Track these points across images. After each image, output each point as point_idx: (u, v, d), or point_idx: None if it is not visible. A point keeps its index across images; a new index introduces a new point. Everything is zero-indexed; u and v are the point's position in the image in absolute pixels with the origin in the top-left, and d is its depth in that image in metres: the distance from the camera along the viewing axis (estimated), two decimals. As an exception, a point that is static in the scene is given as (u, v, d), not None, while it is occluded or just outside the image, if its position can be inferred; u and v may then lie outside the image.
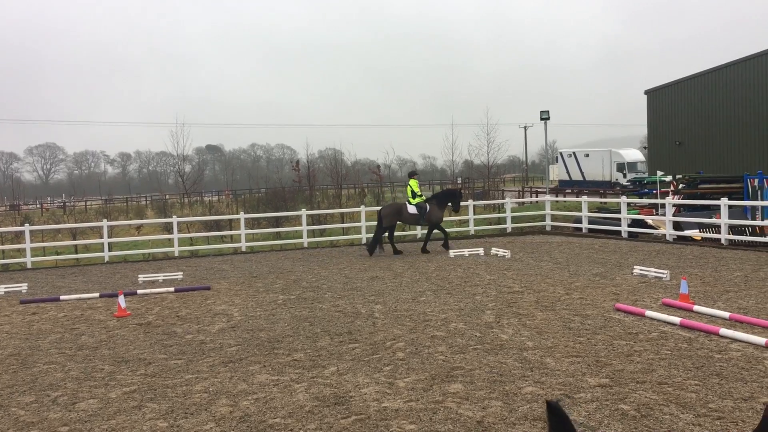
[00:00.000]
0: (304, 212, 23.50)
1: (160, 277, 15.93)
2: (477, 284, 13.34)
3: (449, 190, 20.96)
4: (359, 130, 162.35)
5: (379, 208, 21.53)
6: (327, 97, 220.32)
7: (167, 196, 65.49)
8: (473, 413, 6.24)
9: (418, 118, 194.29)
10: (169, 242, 23.64)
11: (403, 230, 25.63)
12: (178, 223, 23.06)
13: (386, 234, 19.60)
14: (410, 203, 19.36)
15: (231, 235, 27.51)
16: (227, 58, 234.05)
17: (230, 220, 32.66)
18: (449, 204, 19.96)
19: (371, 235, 25.19)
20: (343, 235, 28.64)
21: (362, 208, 24.08)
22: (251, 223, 33.76)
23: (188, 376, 7.89)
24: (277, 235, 26.20)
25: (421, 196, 19.54)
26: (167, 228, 31.32)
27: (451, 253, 18.25)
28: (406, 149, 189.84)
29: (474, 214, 25.17)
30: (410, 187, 19.66)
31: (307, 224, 23.44)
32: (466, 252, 18.32)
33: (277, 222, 32.92)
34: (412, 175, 20.28)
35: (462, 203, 21.73)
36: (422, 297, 12.20)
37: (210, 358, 8.65)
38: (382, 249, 19.40)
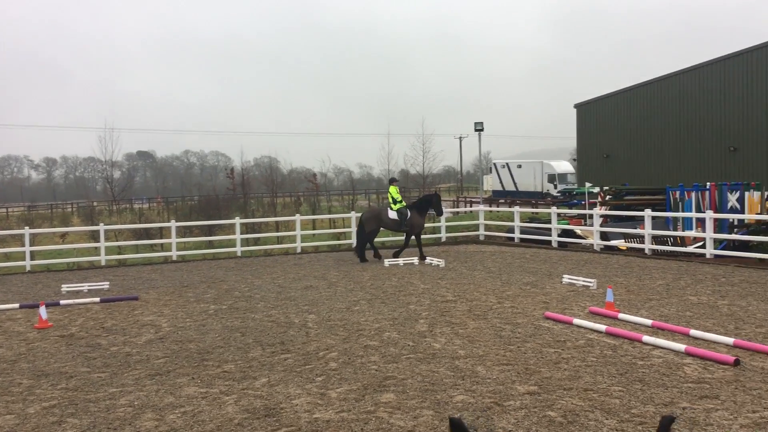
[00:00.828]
0: (237, 220, 23.16)
1: (85, 287, 15.39)
2: (411, 293, 13.41)
3: (426, 196, 20.66)
4: (296, 138, 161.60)
5: (359, 214, 21.48)
6: (264, 105, 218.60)
7: (95, 203, 63.44)
8: (404, 423, 6.24)
9: (355, 127, 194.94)
10: (96, 251, 22.89)
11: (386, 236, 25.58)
12: (106, 231, 22.36)
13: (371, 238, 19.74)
14: (392, 209, 19.33)
15: (161, 244, 26.84)
16: (160, 63, 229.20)
17: (161, 228, 31.91)
18: (430, 210, 19.85)
19: (306, 244, 25.03)
20: (278, 243, 28.35)
21: (297, 217, 23.90)
22: (183, 232, 33.06)
23: (112, 389, 7.62)
24: (210, 244, 25.73)
25: (401, 202, 19.42)
26: (94, 236, 30.33)
27: (386, 262, 18.29)
28: (342, 158, 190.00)
29: (409, 224, 25.29)
30: (390, 193, 19.69)
31: (241, 233, 23.09)
32: (400, 261, 18.41)
33: (209, 230, 32.34)
34: (392, 181, 20.26)
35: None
36: (356, 306, 12.17)
37: (136, 370, 8.39)
38: (378, 255, 19.49)
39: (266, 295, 13.84)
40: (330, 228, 32.48)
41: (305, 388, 7.41)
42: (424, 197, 20.56)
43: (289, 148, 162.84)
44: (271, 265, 19.07)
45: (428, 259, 18.50)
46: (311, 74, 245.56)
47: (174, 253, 21.91)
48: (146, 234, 31.80)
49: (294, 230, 23.82)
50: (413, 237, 19.65)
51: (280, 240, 29.88)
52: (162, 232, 32.68)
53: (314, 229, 30.18)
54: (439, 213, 20.29)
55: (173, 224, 22.73)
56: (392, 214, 19.26)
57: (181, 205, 57.34)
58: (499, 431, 5.96)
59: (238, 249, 22.28)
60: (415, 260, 18.50)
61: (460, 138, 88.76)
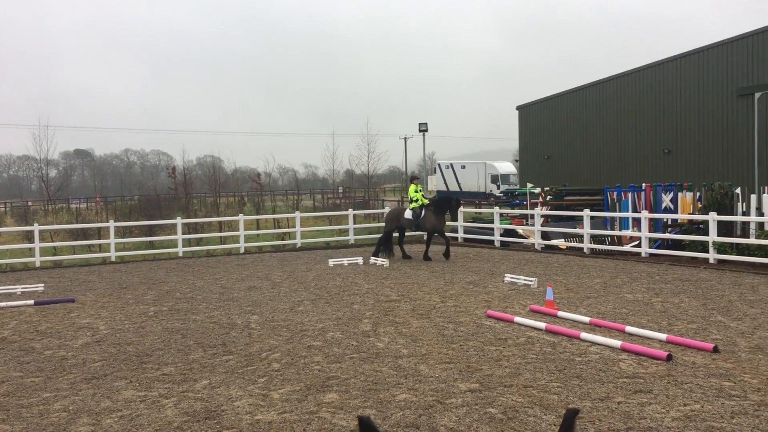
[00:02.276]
0: (179, 220, 22.73)
1: (18, 289, 14.85)
2: (355, 293, 13.41)
3: (445, 198, 19.94)
4: (240, 137, 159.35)
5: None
6: (206, 103, 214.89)
7: (29, 203, 61.29)
8: (347, 422, 6.24)
9: (300, 127, 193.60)
10: (30, 252, 22.12)
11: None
12: (41, 231, 21.64)
13: (397, 236, 19.74)
14: (410, 208, 19.28)
15: (99, 245, 26.13)
16: (99, 58, 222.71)
17: (99, 229, 31.08)
18: (448, 212, 19.31)
19: (250, 244, 24.74)
20: (221, 244, 27.95)
21: (241, 217, 23.62)
22: (122, 232, 32.27)
23: (46, 394, 7.39)
24: (150, 245, 25.19)
25: (416, 201, 19.04)
26: (28, 237, 29.29)
27: (331, 262, 18.25)
28: (287, 157, 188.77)
29: (354, 224, 25.32)
30: (409, 191, 19.62)
31: (183, 233, 22.68)
32: (345, 261, 18.39)
33: (150, 231, 31.64)
34: (412, 179, 20.08)
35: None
36: (300, 307, 12.11)
37: (71, 374, 8.14)
38: (392, 253, 19.40)
39: (208, 296, 13.63)
40: (274, 228, 32.22)
41: (247, 389, 7.33)
42: (443, 198, 20.14)
43: (232, 147, 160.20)
44: (213, 266, 18.79)
45: (372, 259, 18.54)
46: (255, 72, 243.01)
47: (113, 254, 21.36)
48: (83, 234, 30.89)
49: (237, 230, 23.53)
50: (437, 234, 19.29)
51: (223, 240, 29.46)
52: (100, 233, 31.81)
53: (258, 229, 29.88)
54: (454, 218, 20.16)
55: (112, 224, 22.17)
56: (408, 214, 19.17)
57: (121, 204, 55.93)
58: (441, 429, 6.02)
59: (180, 249, 21.88)
60: (360, 260, 18.50)
61: (405, 138, 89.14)
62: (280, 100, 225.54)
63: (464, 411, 6.43)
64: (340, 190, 60.10)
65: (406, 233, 20.72)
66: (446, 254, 18.72)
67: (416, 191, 19.25)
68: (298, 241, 23.78)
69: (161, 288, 14.89)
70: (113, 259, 21.25)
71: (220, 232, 31.59)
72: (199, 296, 13.61)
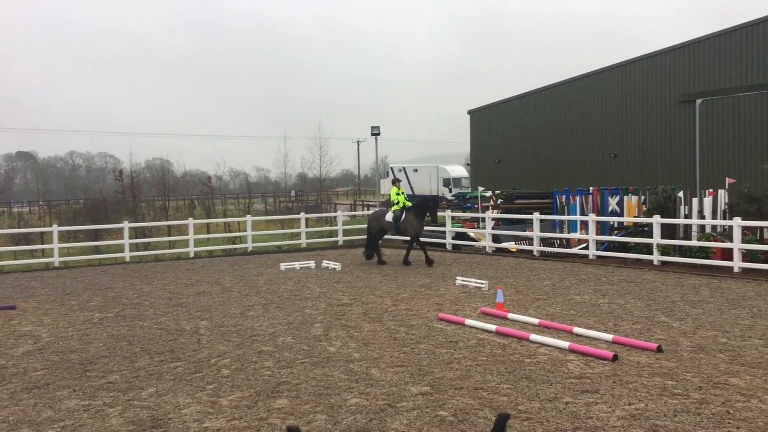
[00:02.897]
0: (126, 224, 22.24)
1: (-44, 296, 14.31)
2: (307, 297, 13.33)
3: (423, 200, 19.21)
4: (190, 140, 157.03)
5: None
6: (155, 104, 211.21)
7: (-32, 207, 59.22)
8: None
9: (252, 129, 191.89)
10: (-31, 257, 21.34)
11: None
12: (-20, 236, 20.90)
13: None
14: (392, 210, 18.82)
15: (42, 250, 25.36)
16: (43, 58, 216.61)
17: (42, 233, 30.20)
18: (428, 214, 18.60)
19: (200, 248, 24.37)
20: (170, 248, 27.44)
21: (190, 221, 23.24)
22: (66, 237, 31.41)
23: (-16, 405, 7.11)
24: (96, 249, 24.58)
25: (397, 204, 18.62)
26: (-33, 242, 28.27)
27: (282, 266, 18.10)
28: (239, 161, 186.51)
29: (306, 227, 25.19)
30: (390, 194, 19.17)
31: (130, 237, 22.19)
32: (297, 265, 18.27)
33: (96, 235, 30.87)
34: (393, 182, 19.72)
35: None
36: (251, 312, 11.97)
37: (11, 384, 7.87)
38: (372, 256, 19.01)
39: (156, 301, 13.36)
40: (225, 232, 31.81)
41: (195, 396, 7.20)
42: (422, 200, 19.29)
43: (182, 150, 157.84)
44: (162, 271, 18.43)
45: (324, 263, 18.46)
46: (206, 73, 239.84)
47: (56, 259, 20.75)
48: (25, 239, 29.97)
49: (187, 234, 23.14)
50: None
51: (172, 245, 28.93)
52: (43, 237, 30.91)
53: (209, 233, 29.47)
54: (434, 219, 18.97)
55: (55, 229, 21.55)
56: (389, 216, 18.72)
57: (66, 208, 54.46)
58: (391, 432, 6.01)
59: (127, 254, 21.41)
60: (312, 264, 18.39)
61: (358, 142, 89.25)
62: (231, 102, 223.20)
63: (415, 414, 6.44)
64: (293, 193, 59.71)
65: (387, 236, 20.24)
66: (427, 261, 17.85)
67: (398, 194, 18.90)
68: (250, 245, 23.53)
69: (107, 294, 14.53)
70: (57, 264, 20.64)
71: (169, 236, 31.01)
72: (147, 302, 13.33)
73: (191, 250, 22.52)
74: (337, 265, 17.83)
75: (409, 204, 18.71)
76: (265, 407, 6.78)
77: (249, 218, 24.22)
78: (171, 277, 16.97)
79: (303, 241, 24.49)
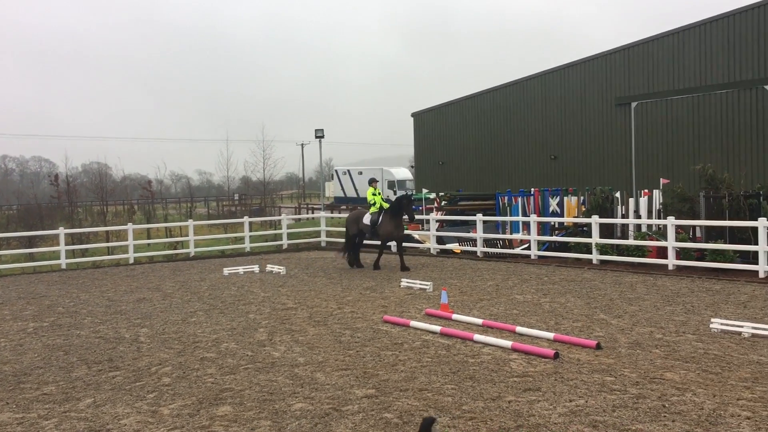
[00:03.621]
0: (62, 231, 21.54)
1: None
2: (251, 302, 13.17)
3: (397, 199, 17.82)
4: (130, 144, 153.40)
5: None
6: (93, 107, 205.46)
7: None
8: (241, 435, 6.09)
9: (194, 132, 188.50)
10: None
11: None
12: None
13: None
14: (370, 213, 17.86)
15: (-27, 258, 24.37)
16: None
17: (-27, 241, 28.98)
18: (405, 215, 17.34)
19: (140, 254, 23.82)
20: (109, 254, 26.73)
21: (130, 226, 22.68)
22: (-1, 244, 30.22)
23: None
24: (30, 257, 23.74)
25: (374, 205, 17.73)
26: None
27: (226, 271, 17.84)
28: (180, 164, 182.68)
29: (250, 231, 24.90)
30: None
31: (67, 243, 21.51)
32: (240, 270, 18.02)
33: (30, 242, 29.83)
34: (370, 182, 18.51)
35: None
36: (193, 318, 11.75)
37: (-62, 399, 7.52)
38: (348, 257, 18.21)
39: (94, 309, 12.98)
40: (166, 237, 31.16)
41: (135, 406, 7.02)
42: (396, 200, 17.79)
43: (121, 154, 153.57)
44: (100, 278, 17.92)
45: (269, 267, 18.28)
46: (146, 75, 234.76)
47: (-13, 268, 19.95)
48: (-46, 247, 28.70)
49: (126, 240, 22.58)
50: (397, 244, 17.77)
51: (111, 251, 28.19)
52: (-26, 245, 29.68)
53: (149, 238, 28.81)
54: (411, 218, 17.50)
55: (-14, 236, 20.72)
56: (366, 219, 17.71)
57: (-2, 214, 52.40)
58: (336, 437, 5.98)
59: (63, 261, 20.74)
60: (256, 268, 18.18)
61: (302, 145, 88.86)
62: (172, 104, 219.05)
63: (360, 417, 6.43)
64: (236, 197, 58.95)
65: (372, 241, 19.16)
66: (402, 266, 17.14)
67: (374, 194, 17.91)
68: (192, 250, 23.11)
69: (42, 302, 14.04)
70: (-12, 272, 19.85)
71: (108, 242, 30.22)
72: (84, 310, 12.94)
73: (131, 256, 21.97)
74: (282, 269, 17.68)
75: (386, 205, 17.82)
76: (208, 415, 6.66)
77: (191, 223, 23.80)
78: (109, 284, 16.53)
79: (247, 246, 24.21)
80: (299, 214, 47.62)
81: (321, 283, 15.44)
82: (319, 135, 33.07)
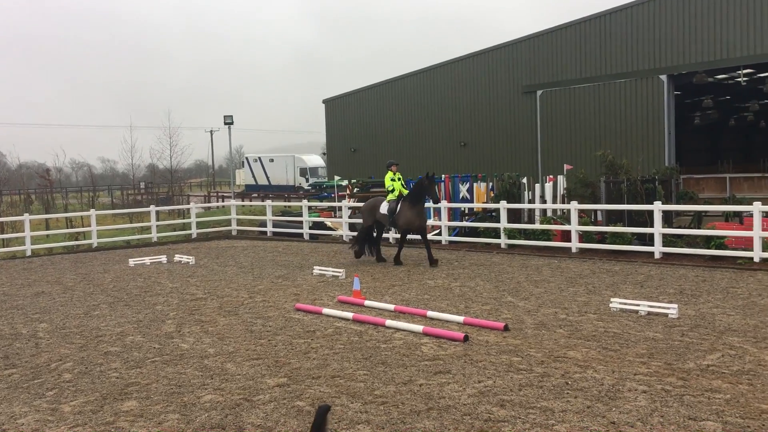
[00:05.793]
0: (-50, 222, 20.20)
1: None
2: (158, 293, 12.78)
3: (418, 182, 15.77)
4: (26, 130, 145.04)
5: None
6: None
7: None
8: (148, 430, 5.91)
9: (96, 119, 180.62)
10: None
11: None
12: None
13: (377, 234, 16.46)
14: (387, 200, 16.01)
15: None
16: None
17: None
18: (427, 199, 15.73)
19: (38, 246, 22.67)
20: (4, 247, 25.28)
21: (26, 217, 21.52)
22: None
23: None
24: None
25: (392, 192, 15.89)
26: None
27: (131, 261, 17.22)
28: (82, 152, 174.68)
29: (157, 221, 24.12)
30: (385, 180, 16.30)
31: (-44, 236, 20.18)
32: (147, 260, 17.46)
33: None
34: (388, 166, 16.31)
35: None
36: (96, 311, 11.29)
37: None
38: (372, 253, 16.36)
39: (-13, 305, 12.25)
40: (67, 228, 29.76)
41: (33, 404, 6.68)
42: (417, 184, 15.70)
43: (17, 141, 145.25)
44: (-6, 272, 16.94)
45: (177, 257, 17.78)
46: (43, 57, 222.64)
47: None
48: None
49: (23, 232, 21.42)
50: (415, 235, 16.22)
51: (6, 243, 26.66)
52: None
53: (48, 229, 27.41)
54: (435, 200, 16.04)
55: None
56: (383, 207, 15.83)
57: None
58: (248, 427, 5.89)
59: (-48, 255, 19.45)
60: (164, 258, 17.64)
61: (212, 131, 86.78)
62: (73, 88, 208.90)
63: (272, 407, 6.36)
64: (142, 185, 56.97)
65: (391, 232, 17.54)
66: (430, 260, 15.19)
67: (393, 179, 16.06)
68: (95, 241, 22.19)
69: (-72, 299, 13.14)
70: None
71: (2, 233, 28.55)
72: (-24, 306, 12.19)
73: (28, 248, 20.87)
74: (191, 259, 17.24)
75: (406, 192, 15.96)
76: (112, 411, 6.42)
77: (93, 212, 22.83)
78: (4, 278, 15.64)
79: (154, 235, 23.46)
80: (209, 202, 46.54)
81: (232, 273, 15.17)
82: (228, 121, 32.36)
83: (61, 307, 11.73)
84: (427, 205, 16.65)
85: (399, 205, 15.60)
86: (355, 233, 21.52)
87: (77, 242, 23.36)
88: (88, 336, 9.49)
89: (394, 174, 16.07)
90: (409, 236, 16.40)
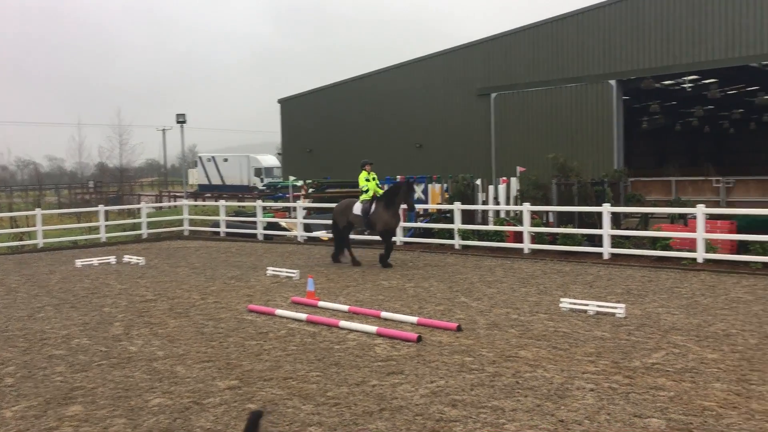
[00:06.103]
0: None
1: None
2: (106, 295, 12.49)
3: (395, 185, 15.95)
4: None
5: None
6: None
7: None
8: (93, 435, 5.76)
9: (42, 115, 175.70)
10: None
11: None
12: None
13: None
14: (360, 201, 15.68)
15: None
16: None
17: None
18: (403, 204, 15.41)
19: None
20: (-56, 247, 24.38)
21: (-32, 216, 20.80)
22: None
23: None
24: None
25: (366, 192, 15.50)
26: None
27: (78, 262, 16.79)
28: (27, 149, 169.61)
29: (106, 220, 23.57)
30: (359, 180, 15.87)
31: None
32: (95, 261, 17.04)
33: None
34: (363, 165, 15.98)
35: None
36: (41, 313, 10.97)
37: None
38: (344, 255, 16.00)
39: (-75, 307, 11.79)
40: (11, 228, 28.87)
41: (-28, 411, 6.45)
42: (393, 186, 15.85)
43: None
44: (-68, 273, 16.31)
45: (126, 257, 17.41)
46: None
47: None
48: None
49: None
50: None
51: (-54, 243, 25.72)
52: None
53: (-9, 229, 26.54)
54: (410, 207, 15.51)
55: None
56: (356, 208, 15.47)
57: None
58: (197, 431, 5.80)
59: None
60: (112, 259, 17.24)
61: (164, 130, 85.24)
62: (17, 84, 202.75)
63: (222, 409, 6.27)
64: (91, 184, 55.66)
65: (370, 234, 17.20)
66: (383, 260, 15.16)
67: (367, 179, 15.69)
68: (40, 241, 21.57)
69: None
70: None
71: (-57, 233, 27.52)
72: None
73: (-30, 248, 20.17)
74: (141, 260, 16.90)
75: (380, 192, 15.73)
76: (56, 416, 6.24)
77: (38, 212, 22.19)
78: (-56, 280, 15.08)
79: (102, 236, 22.93)
80: (161, 202, 45.74)
81: (183, 274, 14.92)
82: (181, 120, 31.81)
83: (3, 309, 11.37)
84: None
85: (373, 206, 15.35)
86: (310, 233, 21.45)
87: (22, 242, 22.69)
88: (31, 339, 9.21)
89: (369, 174, 15.77)
90: (369, 236, 16.27)
